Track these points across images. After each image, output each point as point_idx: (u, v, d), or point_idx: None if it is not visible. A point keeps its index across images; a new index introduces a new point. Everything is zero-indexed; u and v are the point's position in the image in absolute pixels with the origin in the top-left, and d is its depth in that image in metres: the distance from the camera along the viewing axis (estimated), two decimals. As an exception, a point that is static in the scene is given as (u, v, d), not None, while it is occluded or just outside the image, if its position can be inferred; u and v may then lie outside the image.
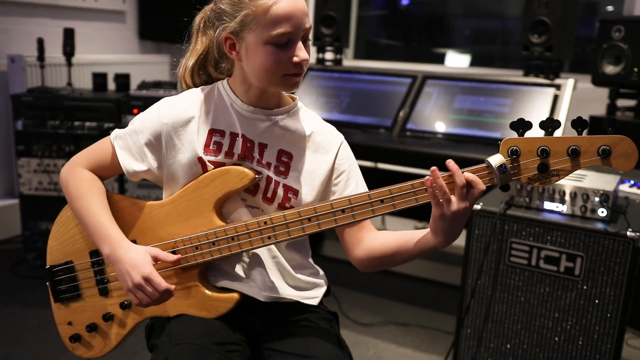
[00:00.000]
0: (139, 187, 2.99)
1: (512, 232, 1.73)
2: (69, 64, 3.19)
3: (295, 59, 1.15)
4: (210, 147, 1.24)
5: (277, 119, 1.26)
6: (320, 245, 3.63)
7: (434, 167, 1.07)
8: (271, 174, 1.25)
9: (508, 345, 1.76)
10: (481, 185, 1.07)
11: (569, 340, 1.68)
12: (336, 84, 3.30)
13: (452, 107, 2.89)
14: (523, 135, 1.13)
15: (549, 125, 1.14)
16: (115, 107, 2.93)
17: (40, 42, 3.10)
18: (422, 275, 3.29)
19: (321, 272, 1.40)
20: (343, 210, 1.16)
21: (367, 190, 1.29)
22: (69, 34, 3.13)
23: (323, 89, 3.28)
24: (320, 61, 3.40)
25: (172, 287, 1.19)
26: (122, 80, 3.22)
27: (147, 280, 1.17)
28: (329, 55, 3.43)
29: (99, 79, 3.22)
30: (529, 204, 1.74)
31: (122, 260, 1.19)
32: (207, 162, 1.23)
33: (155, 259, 1.21)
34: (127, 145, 1.26)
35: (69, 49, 3.12)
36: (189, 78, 1.30)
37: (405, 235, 1.19)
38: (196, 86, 1.30)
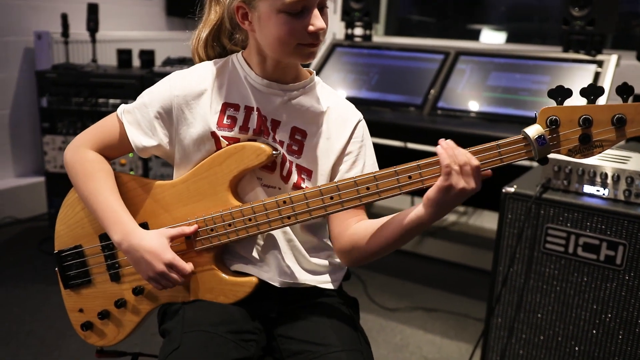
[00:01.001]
0: (162, 165, 2.95)
1: (548, 217, 1.62)
2: (93, 39, 3.15)
3: (311, 27, 1.06)
4: (224, 122, 1.17)
5: (293, 94, 1.18)
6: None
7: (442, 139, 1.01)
8: (284, 151, 1.17)
9: (541, 337, 1.67)
10: (474, 160, 1.00)
11: (608, 334, 1.57)
12: (365, 60, 3.19)
13: (486, 84, 2.76)
14: (562, 104, 1.03)
15: (592, 92, 1.03)
16: (139, 84, 2.88)
17: (64, 18, 3.06)
18: (452, 259, 3.19)
19: None
20: (368, 187, 1.07)
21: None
22: (92, 9, 3.09)
23: (351, 65, 3.17)
24: (349, 37, 3.29)
25: (193, 267, 1.15)
26: (147, 56, 3.17)
27: (170, 266, 1.12)
28: (358, 31, 3.32)
29: (124, 56, 3.18)
30: (567, 187, 1.63)
31: (138, 248, 1.13)
32: (221, 138, 1.16)
33: (171, 239, 1.15)
34: (136, 120, 1.19)
35: (92, 24, 3.08)
36: (202, 50, 1.23)
37: (390, 216, 1.10)
38: (209, 59, 1.23)
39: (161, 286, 1.15)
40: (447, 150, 1.00)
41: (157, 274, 1.12)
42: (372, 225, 1.13)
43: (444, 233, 3.61)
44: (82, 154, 1.21)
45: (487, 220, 3.68)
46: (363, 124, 1.23)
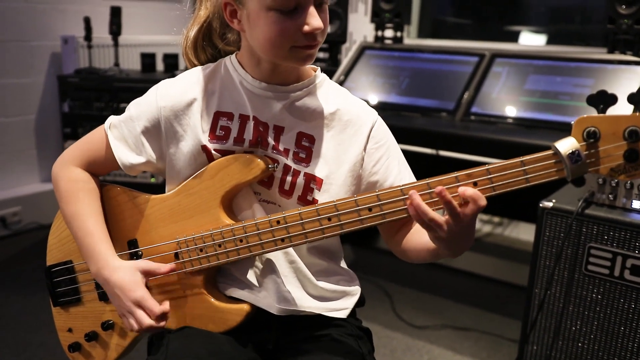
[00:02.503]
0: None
1: (591, 235, 1.45)
2: (116, 43, 3.10)
3: (306, 27, 0.93)
4: (217, 133, 1.04)
5: (295, 97, 1.04)
6: (374, 237, 3.40)
7: (412, 191, 0.88)
8: (289, 162, 1.04)
9: (582, 369, 1.50)
10: (482, 202, 0.85)
11: (659, 369, 1.39)
12: (395, 63, 3.05)
13: (523, 88, 2.58)
14: (605, 112, 0.86)
15: None
16: (160, 89, 2.81)
17: (87, 22, 3.02)
18: (485, 274, 3.01)
19: (355, 278, 1.17)
20: (370, 209, 0.94)
21: (413, 177, 1.08)
22: (115, 13, 3.04)
23: (381, 68, 3.03)
24: (379, 39, 3.16)
25: (167, 309, 1.03)
26: (171, 60, 3.11)
27: (138, 305, 1.01)
28: (388, 33, 3.18)
29: (147, 60, 3.13)
30: (613, 202, 1.45)
31: (110, 282, 1.04)
32: (213, 151, 1.04)
33: (147, 274, 1.04)
34: (123, 135, 1.08)
35: (115, 27, 3.03)
36: (192, 52, 1.11)
37: (423, 238, 1.01)
38: (201, 62, 1.12)
39: (130, 325, 1.03)
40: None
41: (126, 311, 1.02)
42: (418, 237, 1.05)
43: (478, 245, 3.42)
44: (66, 172, 1.12)
45: (524, 232, 3.48)
46: (380, 122, 1.09)
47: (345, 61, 3.10)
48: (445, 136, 2.50)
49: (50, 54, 3.39)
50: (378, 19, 3.14)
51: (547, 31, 3.93)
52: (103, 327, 1.14)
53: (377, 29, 3.18)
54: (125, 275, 1.03)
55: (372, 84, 2.94)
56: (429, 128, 2.52)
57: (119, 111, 2.79)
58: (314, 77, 1.07)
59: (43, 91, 3.40)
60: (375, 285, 2.77)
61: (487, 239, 3.52)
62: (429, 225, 0.87)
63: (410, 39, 3.92)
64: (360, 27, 3.75)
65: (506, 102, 2.56)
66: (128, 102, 3.04)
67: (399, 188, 0.92)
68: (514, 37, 4.01)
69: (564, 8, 4.01)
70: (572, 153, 0.85)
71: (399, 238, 1.09)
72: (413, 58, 3.03)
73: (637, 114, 0.85)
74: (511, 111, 2.51)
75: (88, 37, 3.03)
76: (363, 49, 3.14)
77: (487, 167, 0.88)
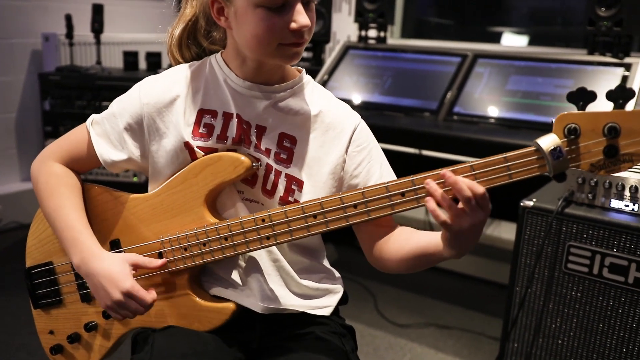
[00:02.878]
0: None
1: (571, 234, 1.47)
2: (98, 41, 3.07)
3: (293, 25, 0.93)
4: (200, 131, 1.04)
5: (279, 97, 1.05)
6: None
7: (428, 180, 0.88)
8: (271, 161, 1.04)
9: (562, 365, 1.52)
10: (479, 189, 0.85)
11: (636, 365, 1.41)
12: (379, 63, 3.06)
13: (505, 88, 2.61)
14: (584, 109, 0.89)
15: (619, 95, 0.89)
16: (143, 87, 2.79)
17: (69, 19, 2.99)
18: (468, 272, 3.03)
19: (337, 276, 1.18)
20: (355, 206, 0.94)
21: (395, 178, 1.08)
22: (97, 10, 3.01)
23: (364, 68, 3.04)
24: (363, 39, 3.17)
25: (155, 296, 1.03)
26: (153, 59, 3.09)
27: (129, 295, 1.00)
28: (372, 33, 3.19)
29: (130, 58, 3.10)
30: (592, 201, 1.48)
31: (96, 273, 1.02)
32: (196, 148, 1.04)
33: (135, 267, 1.04)
34: (105, 132, 1.08)
35: (97, 25, 3.00)
36: (177, 50, 1.11)
37: (420, 245, 0.99)
38: (186, 60, 1.12)
39: (120, 316, 1.03)
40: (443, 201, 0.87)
41: (114, 303, 1.01)
42: (400, 246, 1.03)
43: (461, 244, 3.44)
44: (47, 168, 1.11)
45: (506, 231, 3.50)
46: (363, 126, 1.10)
47: (328, 61, 3.10)
48: (428, 136, 2.52)
49: (31, 52, 3.35)
50: (362, 18, 3.15)
51: (528, 32, 3.96)
52: (86, 329, 1.14)
53: (360, 28, 3.19)
54: (113, 265, 1.02)
55: (356, 84, 2.95)
56: (412, 128, 2.53)
57: (101, 109, 2.76)
58: (299, 78, 1.08)
59: (23, 89, 3.35)
60: (358, 284, 2.78)
61: (469, 238, 3.55)
62: (465, 203, 0.85)
63: (394, 39, 3.93)
64: (344, 26, 3.76)
65: (488, 102, 2.58)
66: (110, 100, 3.00)
67: (383, 185, 0.93)
68: (496, 38, 4.05)
69: (546, 10, 4.05)
70: (554, 149, 0.86)
71: (381, 248, 1.07)
72: (396, 58, 3.05)
73: (616, 110, 0.86)
74: (493, 111, 2.53)
75: (69, 34, 2.99)
76: (347, 48, 3.15)
77: (470, 163, 0.89)
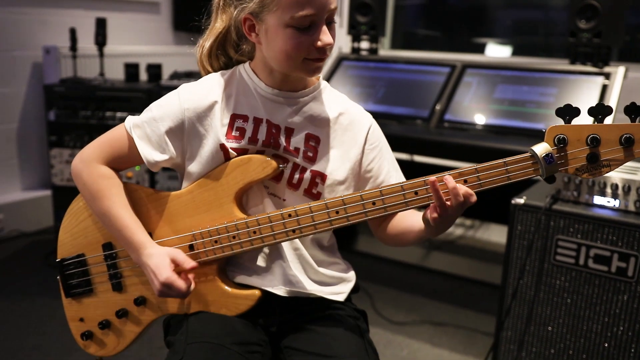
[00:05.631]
0: (169, 179, 2.95)
1: (559, 228, 1.60)
2: (101, 54, 3.16)
3: (319, 43, 1.07)
4: (233, 134, 1.16)
5: (302, 102, 1.18)
6: (354, 240, 3.54)
7: (432, 179, 1.03)
8: (299, 160, 1.17)
9: (552, 350, 1.64)
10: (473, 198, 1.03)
11: (620, 347, 1.54)
12: (371, 73, 3.19)
13: (492, 97, 2.75)
14: (570, 123, 1.04)
15: (599, 111, 1.04)
16: (146, 97, 2.89)
17: (73, 32, 3.08)
18: (460, 273, 3.16)
19: (350, 268, 1.30)
20: (374, 202, 1.07)
21: (401, 174, 1.24)
22: (101, 24, 3.11)
23: (358, 78, 3.17)
24: (355, 50, 3.30)
25: (193, 285, 1.15)
26: (154, 70, 3.18)
27: (167, 286, 1.12)
28: (364, 44, 3.32)
29: (131, 70, 3.19)
30: (577, 198, 1.61)
31: (146, 266, 1.15)
32: (230, 149, 1.15)
33: (174, 262, 1.15)
34: (146, 134, 1.18)
35: (100, 38, 3.09)
36: (206, 60, 1.22)
37: (407, 224, 1.19)
38: (214, 69, 1.23)
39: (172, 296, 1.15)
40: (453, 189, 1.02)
41: (159, 291, 1.14)
42: (394, 226, 1.22)
43: (451, 247, 3.58)
44: (94, 169, 1.19)
45: (495, 234, 3.65)
46: (375, 125, 1.24)
47: (323, 72, 3.22)
48: (420, 142, 2.64)
49: (32, 64, 3.44)
50: (355, 30, 3.28)
51: (512, 43, 4.11)
52: (117, 315, 1.23)
53: (353, 40, 3.32)
54: (157, 259, 1.13)
55: (350, 93, 3.06)
56: (405, 134, 2.65)
57: (105, 119, 2.90)
58: (318, 84, 1.21)
59: (24, 101, 3.44)
60: (356, 285, 2.88)
61: (460, 241, 3.68)
62: (449, 202, 1.01)
63: (384, 50, 4.07)
64: (337, 38, 3.88)
65: (477, 110, 2.72)
66: (114, 110, 3.10)
67: (399, 185, 1.07)
68: (481, 49, 4.19)
69: (529, 21, 4.20)
70: (547, 155, 1.02)
71: (385, 226, 1.23)
72: (388, 69, 3.18)
73: (597, 124, 1.02)
74: (482, 118, 2.67)
75: (73, 47, 3.09)
76: (340, 59, 3.28)
77: (475, 166, 1.03)
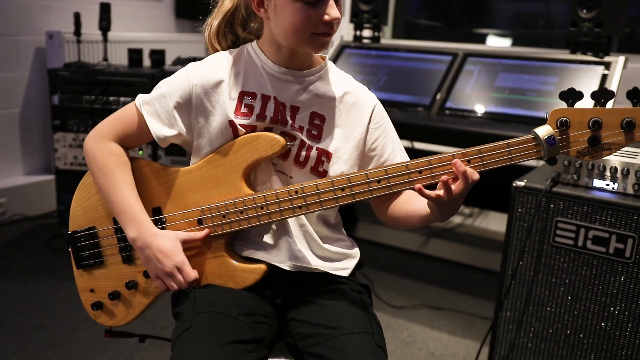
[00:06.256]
0: (172, 163, 2.97)
1: (558, 210, 1.63)
2: (105, 38, 3.18)
3: (326, 17, 1.09)
4: (242, 110, 1.18)
5: (308, 80, 1.20)
6: (354, 226, 3.57)
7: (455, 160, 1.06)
8: (304, 137, 1.19)
9: (550, 330, 1.67)
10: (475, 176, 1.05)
11: (617, 327, 1.58)
12: (374, 61, 3.21)
13: (493, 85, 2.77)
14: (573, 106, 1.06)
15: (602, 95, 1.07)
16: (150, 82, 2.91)
17: (77, 17, 3.10)
18: (459, 260, 3.19)
19: (354, 245, 1.33)
20: (379, 181, 1.10)
21: (405, 154, 1.27)
22: (105, 9, 3.12)
23: (360, 66, 3.19)
24: (358, 38, 3.32)
25: (197, 276, 1.18)
26: (158, 56, 3.20)
27: (179, 269, 1.15)
28: (366, 33, 3.34)
29: (135, 55, 3.21)
30: (577, 181, 1.64)
31: (151, 247, 1.16)
32: (238, 126, 1.18)
33: (184, 243, 1.18)
34: (156, 111, 1.20)
35: (105, 23, 3.11)
36: (214, 38, 1.25)
37: (414, 206, 1.19)
38: (222, 49, 1.25)
39: (165, 286, 1.18)
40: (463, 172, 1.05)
41: (165, 274, 1.16)
42: (399, 208, 1.23)
43: (450, 234, 3.61)
44: (104, 145, 1.22)
45: (493, 223, 3.68)
46: (379, 106, 1.27)
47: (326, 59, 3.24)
48: (421, 128, 2.67)
49: (35, 49, 3.45)
50: (357, 19, 3.30)
51: (512, 35, 4.13)
52: (127, 287, 1.26)
53: (355, 28, 3.34)
54: (167, 241, 1.16)
55: (352, 81, 3.09)
56: (407, 121, 2.68)
57: (108, 104, 2.92)
58: (324, 64, 1.24)
59: (27, 85, 3.45)
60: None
61: (459, 229, 3.71)
62: (454, 186, 1.04)
63: (385, 40, 4.08)
64: (339, 27, 3.90)
65: (478, 98, 2.74)
66: (117, 95, 3.11)
67: (404, 164, 1.09)
68: (481, 40, 4.21)
69: (529, 13, 4.22)
70: (549, 137, 1.05)
71: (387, 206, 1.26)
72: (390, 57, 3.20)
73: (600, 107, 1.04)
74: (483, 106, 2.69)
75: (77, 32, 3.10)
76: (342, 47, 3.30)
77: (479, 147, 1.06)
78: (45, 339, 2.20)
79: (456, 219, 3.79)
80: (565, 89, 1.06)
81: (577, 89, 1.06)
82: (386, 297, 2.69)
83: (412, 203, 1.21)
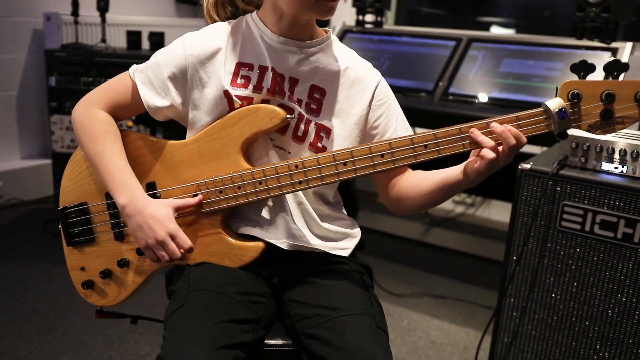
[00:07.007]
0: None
1: (565, 194, 1.58)
2: (103, 19, 3.13)
3: None
4: (238, 82, 1.14)
5: (310, 52, 1.15)
6: (354, 215, 3.53)
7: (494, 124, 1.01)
8: (302, 111, 1.14)
9: (555, 317, 1.63)
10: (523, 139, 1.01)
11: (624, 314, 1.53)
12: (376, 46, 3.16)
13: (498, 71, 2.73)
14: (585, 79, 1.01)
15: (615, 67, 1.02)
16: (148, 65, 2.86)
17: (75, -3, 3.04)
18: (459, 249, 3.15)
19: (355, 224, 1.29)
20: (382, 155, 1.06)
21: (411, 131, 1.20)
22: (103, -11, 3.07)
23: (362, 51, 3.12)
24: (360, 23, 3.26)
25: (192, 244, 1.12)
26: (156, 38, 3.15)
27: (172, 236, 1.10)
28: (369, 17, 3.29)
29: (133, 37, 3.16)
30: (585, 164, 1.59)
31: (143, 213, 1.10)
32: (234, 97, 1.13)
33: (177, 210, 1.12)
34: (149, 79, 1.16)
35: (103, 3, 3.06)
36: (212, 9, 1.20)
37: (439, 178, 1.11)
38: (221, 19, 1.21)
39: (156, 257, 1.12)
40: (502, 132, 1.00)
41: (157, 242, 1.10)
42: (416, 183, 1.15)
43: (452, 224, 3.57)
44: (92, 113, 1.18)
45: (495, 212, 3.64)
46: (383, 82, 1.21)
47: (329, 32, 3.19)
48: (425, 113, 2.63)
49: (32, 30, 3.40)
50: (360, 3, 3.24)
51: (516, 24, 4.08)
52: (119, 265, 1.21)
53: (358, 13, 3.28)
54: (158, 208, 1.10)
55: (354, 66, 3.04)
56: (409, 106, 2.63)
57: (106, 87, 2.85)
58: (327, 36, 1.18)
59: (24, 67, 3.40)
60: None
61: (460, 218, 3.67)
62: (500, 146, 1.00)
63: (388, 26, 4.03)
64: (341, 11, 3.85)
65: (482, 83, 2.70)
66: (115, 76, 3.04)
67: (408, 137, 1.04)
68: (485, 29, 4.16)
69: (533, 3, 4.17)
70: (560, 110, 1.00)
71: (399, 189, 1.18)
72: (393, 42, 3.15)
73: (613, 80, 1.00)
74: (486, 92, 2.64)
75: (75, 12, 3.05)
76: (344, 32, 3.25)
77: (487, 120, 1.02)
78: (39, 323, 2.17)
79: (457, 209, 3.74)
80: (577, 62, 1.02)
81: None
82: (387, 285, 2.65)
83: (426, 180, 1.14)
